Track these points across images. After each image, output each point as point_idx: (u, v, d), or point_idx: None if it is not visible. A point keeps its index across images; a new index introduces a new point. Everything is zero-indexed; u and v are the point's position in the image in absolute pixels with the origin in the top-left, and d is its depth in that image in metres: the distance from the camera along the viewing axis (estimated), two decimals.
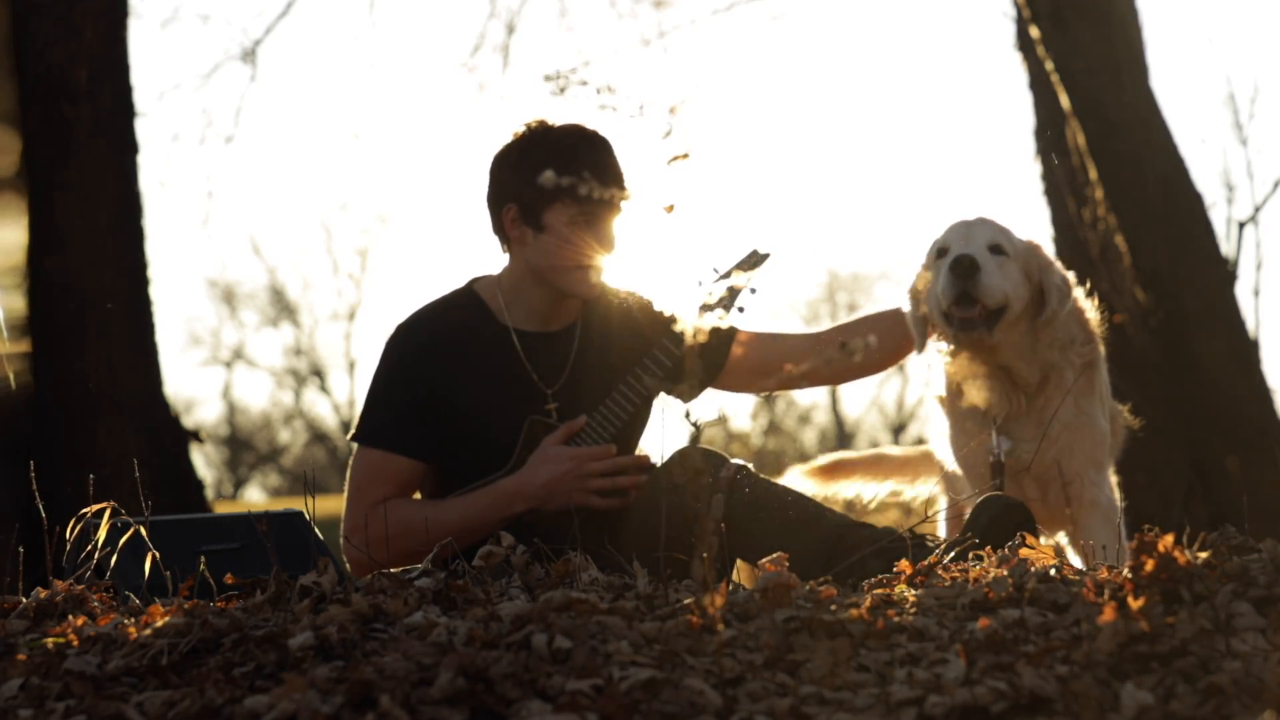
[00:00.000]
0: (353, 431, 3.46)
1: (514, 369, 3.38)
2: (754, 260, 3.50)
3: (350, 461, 3.48)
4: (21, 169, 6.08)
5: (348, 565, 3.30)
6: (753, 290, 3.51)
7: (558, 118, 3.40)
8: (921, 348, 3.57)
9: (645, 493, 3.30)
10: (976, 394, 3.54)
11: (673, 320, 3.31)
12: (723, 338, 3.58)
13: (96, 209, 6.20)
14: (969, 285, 3.40)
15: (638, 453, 3.49)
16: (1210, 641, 1.94)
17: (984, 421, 3.54)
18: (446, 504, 3.35)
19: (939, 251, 3.53)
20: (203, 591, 2.57)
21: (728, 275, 3.48)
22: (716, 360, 3.58)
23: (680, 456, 3.23)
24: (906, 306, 3.60)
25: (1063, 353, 3.51)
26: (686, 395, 3.45)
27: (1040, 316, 3.48)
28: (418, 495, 3.47)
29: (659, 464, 3.38)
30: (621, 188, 3.31)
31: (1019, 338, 3.48)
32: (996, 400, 3.52)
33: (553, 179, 2.08)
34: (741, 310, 3.50)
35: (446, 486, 3.41)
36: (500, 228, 3.41)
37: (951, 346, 3.50)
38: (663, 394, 3.48)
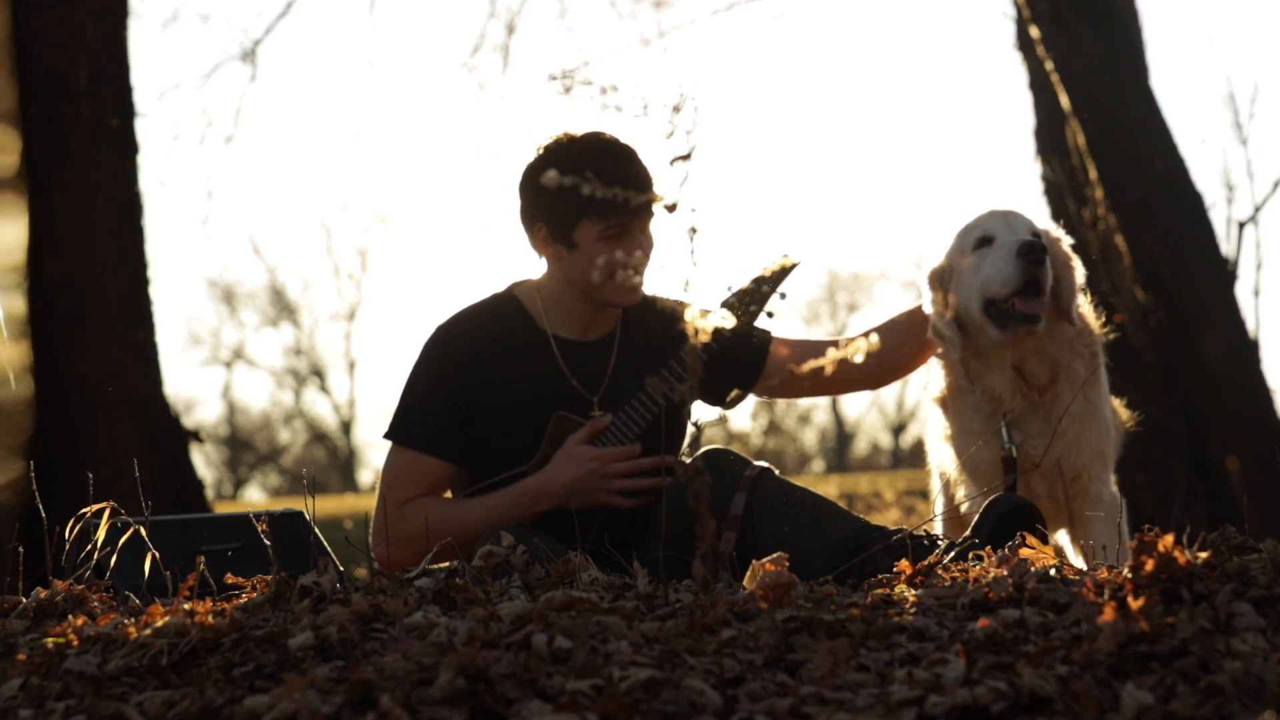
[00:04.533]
0: (387, 430, 3.45)
1: (555, 377, 3.38)
2: (784, 267, 3.48)
3: (384, 459, 3.47)
4: (21, 169, 6.08)
5: (377, 565, 3.30)
6: (782, 295, 3.49)
7: (579, 129, 3.36)
8: (958, 352, 3.49)
9: (671, 493, 3.31)
10: (996, 387, 3.49)
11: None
12: (757, 344, 3.58)
13: (96, 209, 6.19)
14: (1038, 272, 3.30)
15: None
16: (1210, 641, 1.94)
17: (991, 419, 3.51)
18: (472, 503, 3.35)
19: (980, 240, 3.43)
20: (203, 591, 2.57)
21: (758, 281, 3.47)
22: (752, 364, 3.58)
23: (701, 458, 3.23)
24: (928, 296, 3.54)
25: (1071, 348, 3.49)
26: (731, 402, 3.47)
27: (1058, 313, 3.45)
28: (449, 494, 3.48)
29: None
30: (647, 194, 3.30)
31: (1038, 338, 3.44)
32: (1010, 395, 3.48)
33: (557, 179, 2.07)
34: (771, 315, 3.48)
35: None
36: (534, 246, 3.41)
37: (998, 338, 3.41)
38: (696, 399, 3.48)
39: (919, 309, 3.61)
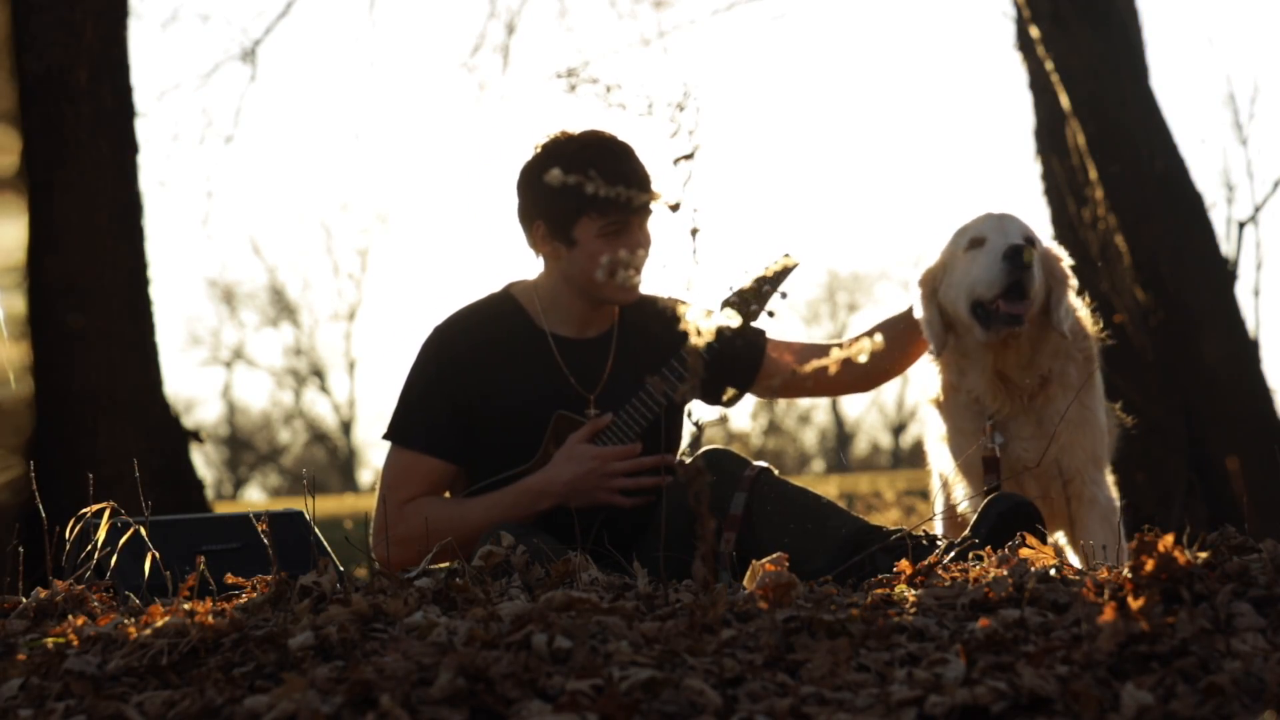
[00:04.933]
0: (385, 430, 3.45)
1: (553, 375, 3.38)
2: (784, 266, 3.48)
3: (384, 460, 3.47)
4: (21, 169, 6.07)
5: (378, 565, 3.30)
6: (783, 295, 3.50)
7: (576, 127, 3.37)
8: (939, 351, 3.52)
9: (669, 493, 3.31)
10: (976, 388, 3.50)
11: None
12: (754, 345, 3.59)
13: (96, 209, 6.19)
14: (1024, 276, 3.34)
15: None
16: (1210, 641, 1.94)
17: (980, 418, 3.52)
18: (472, 502, 3.35)
19: (973, 241, 3.46)
20: (203, 591, 2.57)
21: (758, 280, 3.47)
22: (749, 365, 3.59)
23: (700, 458, 3.23)
24: (918, 295, 3.56)
25: (1065, 354, 3.50)
26: (729, 402, 3.48)
27: (1048, 323, 3.46)
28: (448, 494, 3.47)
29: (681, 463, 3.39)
30: (645, 191, 3.30)
31: (1021, 345, 3.46)
32: (991, 397, 3.50)
33: (558, 177, 2.07)
34: (771, 315, 3.49)
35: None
36: (532, 244, 3.40)
37: (985, 339, 3.43)
38: (696, 398, 3.48)
39: (911, 310, 3.63)
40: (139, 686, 2.02)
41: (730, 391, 3.56)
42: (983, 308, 3.42)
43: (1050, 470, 3.46)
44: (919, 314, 3.54)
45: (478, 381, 3.36)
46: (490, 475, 3.36)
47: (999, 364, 3.48)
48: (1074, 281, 3.54)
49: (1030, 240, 3.44)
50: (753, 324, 3.49)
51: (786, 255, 3.49)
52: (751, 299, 3.46)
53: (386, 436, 3.44)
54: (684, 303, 3.52)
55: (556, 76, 1.95)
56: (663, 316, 3.46)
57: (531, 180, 3.36)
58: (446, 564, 2.92)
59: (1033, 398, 3.49)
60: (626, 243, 3.29)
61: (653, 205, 3.29)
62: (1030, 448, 3.46)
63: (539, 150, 3.37)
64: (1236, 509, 6.42)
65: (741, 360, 3.55)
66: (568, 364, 3.39)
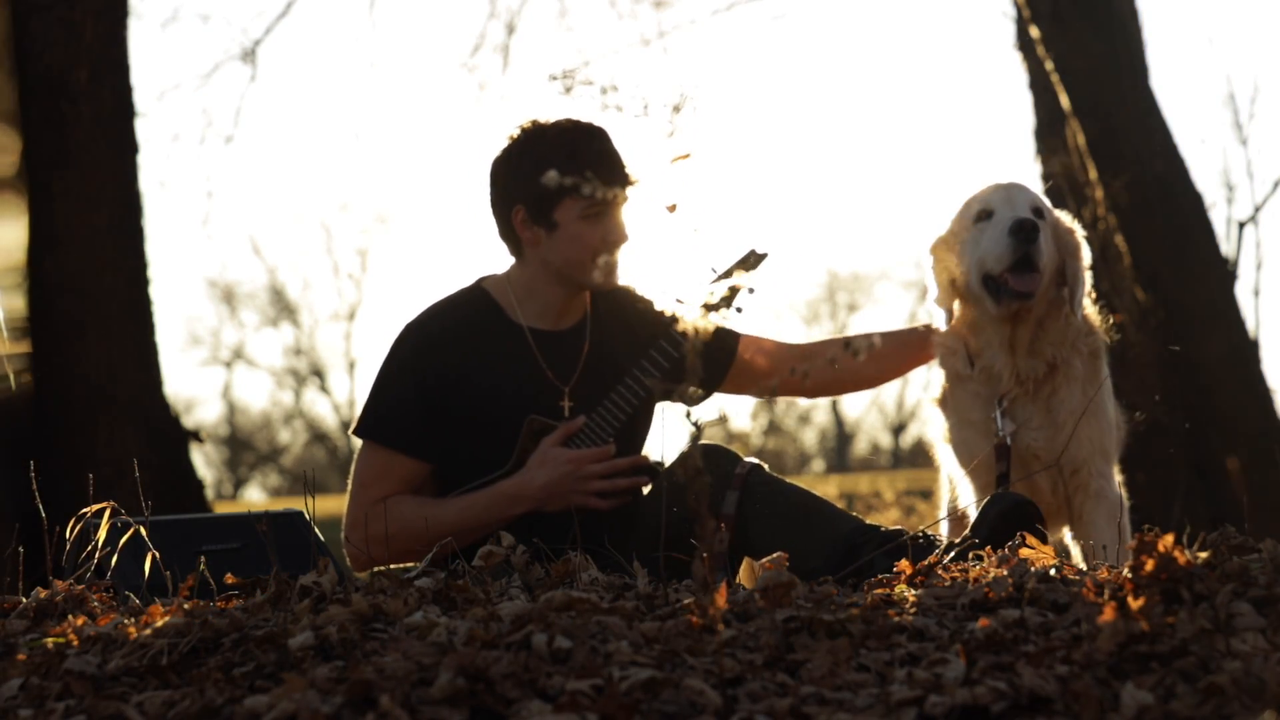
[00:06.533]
0: (354, 426, 3.44)
1: (529, 367, 3.37)
2: (752, 259, 3.48)
3: (354, 457, 3.46)
4: (21, 169, 6.07)
5: (348, 561, 3.30)
6: (750, 290, 3.49)
7: (550, 115, 3.38)
8: (950, 319, 3.53)
9: (655, 492, 3.30)
10: (995, 363, 3.49)
11: (672, 320, 3.31)
12: (726, 341, 3.58)
13: (96, 209, 6.20)
14: (1031, 250, 3.33)
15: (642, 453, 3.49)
16: (1210, 641, 1.94)
17: (989, 405, 3.50)
18: (446, 503, 3.33)
19: (980, 214, 3.45)
20: (203, 591, 2.57)
21: (726, 274, 3.46)
22: (721, 363, 3.58)
23: (690, 455, 3.22)
24: (929, 263, 3.57)
25: (1071, 345, 3.48)
26: (691, 398, 3.46)
27: (1057, 300, 3.45)
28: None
29: (665, 463, 3.38)
30: (626, 176, 3.30)
31: (1028, 323, 3.44)
32: (1009, 374, 3.46)
33: (555, 179, 2.07)
34: (740, 310, 3.48)
35: (453, 483, 3.39)
36: (509, 231, 3.39)
37: (996, 311, 3.42)
38: (666, 397, 3.47)
39: (923, 329, 3.64)
40: (139, 686, 2.01)
41: (696, 390, 3.54)
42: (993, 281, 3.41)
43: (1055, 462, 3.45)
44: (929, 284, 3.55)
45: (452, 377, 3.34)
46: (465, 471, 3.35)
47: (1014, 338, 3.46)
48: (1088, 253, 3.52)
49: (1039, 211, 3.43)
50: (724, 319, 3.49)
51: (752, 249, 3.49)
52: (722, 294, 3.46)
53: (356, 432, 3.42)
54: (653, 291, 3.51)
55: (551, 78, 1.95)
56: (633, 304, 3.47)
57: (510, 166, 3.36)
58: (412, 564, 2.92)
59: (1039, 385, 3.47)
60: (607, 226, 3.30)
61: (630, 191, 3.29)
62: (1039, 436, 3.44)
63: (515, 138, 3.37)
64: (1236, 509, 6.42)
65: (711, 359, 3.53)
66: (544, 356, 3.38)
